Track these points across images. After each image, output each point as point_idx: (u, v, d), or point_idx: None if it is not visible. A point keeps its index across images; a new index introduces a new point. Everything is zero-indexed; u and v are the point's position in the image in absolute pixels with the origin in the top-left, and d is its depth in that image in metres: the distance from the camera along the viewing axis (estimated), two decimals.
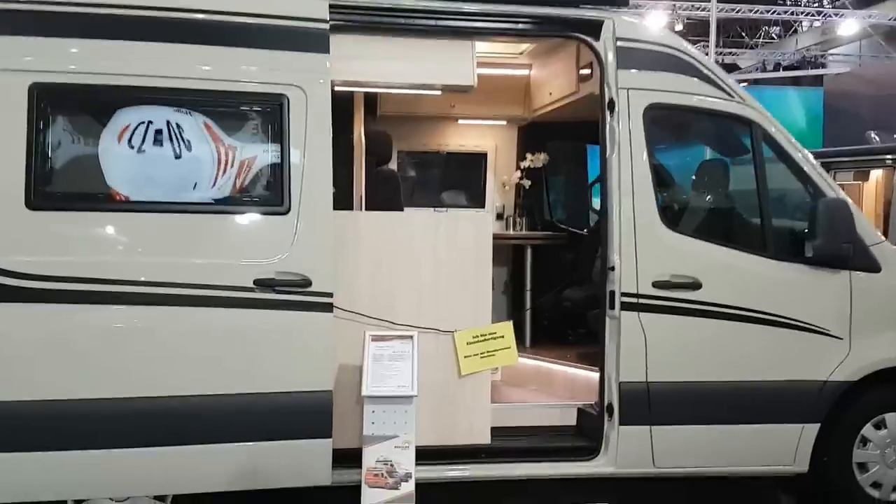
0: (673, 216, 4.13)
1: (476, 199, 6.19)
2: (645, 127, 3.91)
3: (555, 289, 5.24)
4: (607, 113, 3.96)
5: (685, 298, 3.91)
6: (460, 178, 6.23)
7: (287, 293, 3.46)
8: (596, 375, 4.29)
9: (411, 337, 3.58)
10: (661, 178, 4.09)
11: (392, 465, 3.31)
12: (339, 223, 3.62)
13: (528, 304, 5.25)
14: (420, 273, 3.86)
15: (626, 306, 3.89)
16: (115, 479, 3.37)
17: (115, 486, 3.40)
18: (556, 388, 4.60)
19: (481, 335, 3.92)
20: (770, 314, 3.99)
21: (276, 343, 3.46)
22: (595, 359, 4.42)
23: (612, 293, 3.91)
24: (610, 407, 3.94)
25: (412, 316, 3.81)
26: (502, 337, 3.95)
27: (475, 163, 6.13)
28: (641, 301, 3.89)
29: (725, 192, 4.35)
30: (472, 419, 3.92)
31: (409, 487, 3.28)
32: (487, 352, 3.92)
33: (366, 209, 4.62)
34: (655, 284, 3.90)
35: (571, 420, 4.25)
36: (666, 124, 4.11)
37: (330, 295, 3.52)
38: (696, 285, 3.92)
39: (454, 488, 3.86)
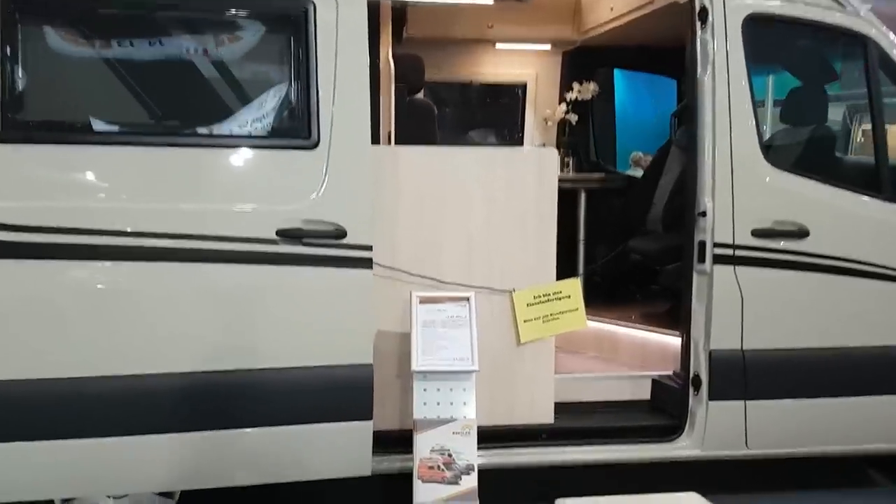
0: (776, 151, 3.56)
1: (512, 137, 5.59)
2: (745, 42, 3.32)
3: (613, 239, 4.69)
4: (698, 25, 3.36)
5: (789, 249, 3.38)
6: (494, 114, 5.63)
7: (317, 246, 2.91)
8: (672, 340, 3.79)
9: (468, 299, 3.04)
10: (763, 106, 3.50)
11: (450, 455, 2.82)
12: (376, 161, 3.05)
13: (584, 259, 4.70)
14: (472, 221, 3.32)
15: (719, 259, 3.36)
16: (110, 473, 2.85)
17: (111, 482, 2.88)
18: (621, 355, 4.09)
19: (544, 295, 3.39)
20: (887, 268, 3.45)
21: (303, 307, 2.94)
22: (670, 321, 3.93)
23: (703, 244, 3.37)
24: (696, 379, 3.44)
25: (462, 273, 3.29)
26: (568, 297, 3.42)
27: (512, 95, 5.51)
28: (738, 253, 3.37)
29: (836, 123, 3.77)
30: (533, 395, 3.42)
31: (471, 482, 2.79)
32: (551, 315, 3.40)
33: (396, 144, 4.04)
34: (756, 233, 3.37)
35: (644, 393, 3.75)
36: (768, 40, 3.50)
37: (369, 248, 2.98)
38: (802, 233, 3.39)
39: (505, 474, 3.36)
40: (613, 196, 5.11)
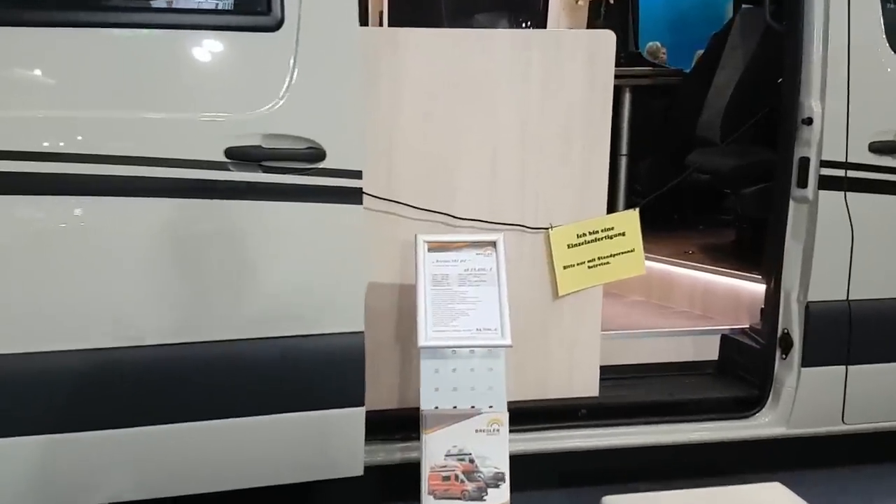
0: None
1: (531, 21, 4.69)
2: None
3: (660, 152, 3.89)
4: None
5: None
6: None
7: (282, 172, 2.13)
8: (746, 286, 3.07)
9: (494, 243, 2.28)
10: None
11: (472, 461, 2.12)
12: (366, 50, 2.23)
13: (625, 178, 3.90)
14: (498, 133, 2.53)
15: (826, 183, 2.59)
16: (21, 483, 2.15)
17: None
18: (677, 302, 3.37)
19: (591, 233, 2.64)
20: None
21: (266, 258, 2.18)
22: (743, 260, 3.19)
23: (805, 161, 2.60)
24: (786, 338, 2.75)
25: (483, 205, 2.54)
26: (622, 234, 2.68)
27: None
28: (851, 174, 2.60)
29: None
30: (572, 362, 2.73)
31: (500, 497, 2.10)
32: (599, 259, 2.66)
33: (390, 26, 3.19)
34: (875, 147, 2.59)
35: (710, 353, 3.05)
36: None
37: (358, 175, 2.19)
38: None
39: (536, 460, 2.69)
40: (659, 97, 4.28)
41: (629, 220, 2.70)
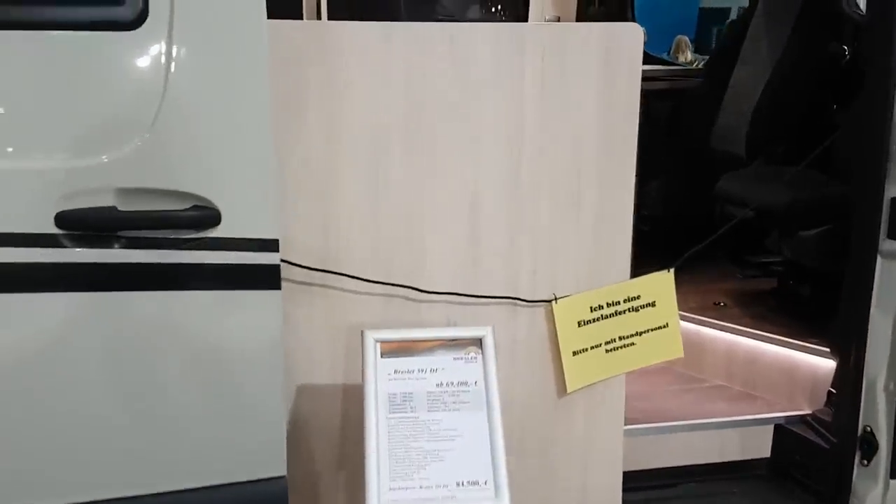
0: None
1: (508, 10, 3.99)
2: None
3: (675, 169, 3.20)
4: None
5: None
6: None
7: (151, 246, 1.40)
8: (804, 359, 2.41)
9: (479, 341, 1.57)
10: None
11: None
12: (283, 52, 1.51)
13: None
14: (477, 170, 1.82)
15: None
16: None
17: None
18: (709, 371, 2.67)
19: (609, 304, 1.96)
20: None
21: (136, 384, 1.45)
22: (797, 319, 2.53)
23: None
24: (869, 439, 2.07)
25: (460, 273, 1.82)
26: (652, 304, 1.98)
27: None
28: None
29: None
30: (586, 482, 2.03)
31: None
32: (620, 339, 1.97)
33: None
34: None
35: (761, 447, 2.37)
36: None
37: (272, 246, 1.47)
38: None
39: None
40: (665, 100, 3.60)
41: (661, 284, 2.01)
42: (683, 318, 2.72)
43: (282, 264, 1.68)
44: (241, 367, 1.51)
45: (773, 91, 3.16)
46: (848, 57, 3.26)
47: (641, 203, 3.42)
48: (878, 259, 2.03)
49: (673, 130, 3.66)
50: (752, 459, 2.37)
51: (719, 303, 2.86)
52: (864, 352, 2.08)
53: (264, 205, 1.47)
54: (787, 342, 2.48)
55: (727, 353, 2.62)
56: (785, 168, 2.77)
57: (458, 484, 1.47)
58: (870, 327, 2.06)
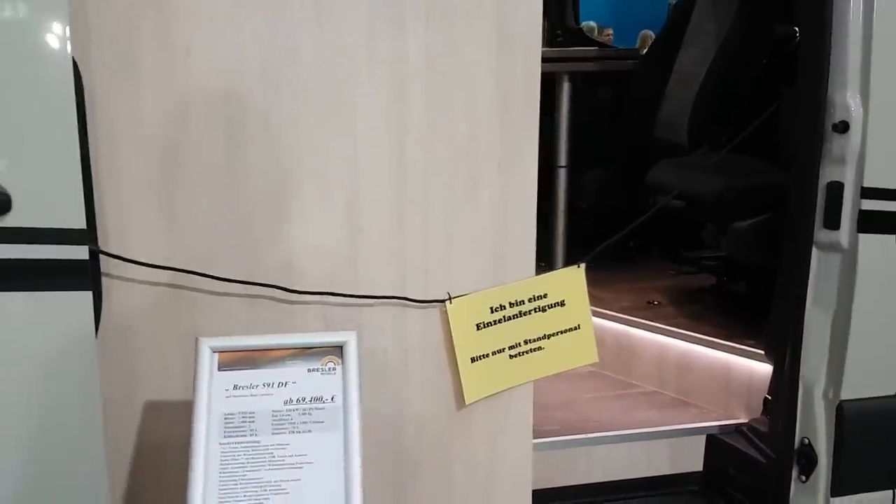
0: None
1: None
2: None
3: (614, 160, 3.00)
4: None
5: None
6: None
7: None
8: (739, 362, 2.21)
9: (340, 348, 1.34)
10: None
11: None
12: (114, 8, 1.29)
13: (565, 199, 2.98)
14: (355, 152, 1.59)
15: (868, 222, 1.74)
16: None
17: None
18: (639, 375, 2.46)
19: (512, 304, 1.74)
20: None
21: None
22: (733, 319, 2.34)
23: (837, 189, 1.73)
24: (807, 452, 1.88)
25: (336, 269, 1.59)
26: (561, 304, 1.76)
27: None
28: None
29: None
30: (489, 502, 1.78)
31: None
32: (526, 343, 1.75)
33: None
34: None
35: (692, 460, 2.16)
36: None
37: (78, 236, 1.22)
38: None
39: None
40: (606, 86, 3.39)
41: (571, 280, 1.79)
42: (614, 319, 2.52)
43: (122, 263, 1.45)
44: (46, 386, 1.26)
45: (717, 75, 2.96)
46: (798, 39, 3.07)
47: (579, 195, 3.23)
48: (814, 251, 1.83)
49: (615, 118, 3.46)
50: (683, 473, 2.16)
51: (653, 301, 2.65)
52: (800, 354, 1.88)
53: (66, 188, 1.23)
54: (722, 344, 2.27)
55: (659, 357, 2.41)
56: (728, 157, 2.57)
57: None
58: (805, 327, 1.86)
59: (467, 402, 1.73)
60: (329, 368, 1.35)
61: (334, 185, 1.60)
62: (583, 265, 1.78)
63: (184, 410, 1.59)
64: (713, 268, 2.65)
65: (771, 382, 2.06)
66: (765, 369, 2.12)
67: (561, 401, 2.27)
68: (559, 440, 2.06)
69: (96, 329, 1.37)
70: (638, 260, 2.98)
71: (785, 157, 2.40)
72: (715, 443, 2.15)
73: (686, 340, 2.35)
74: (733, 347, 2.24)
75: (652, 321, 2.44)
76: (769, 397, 2.08)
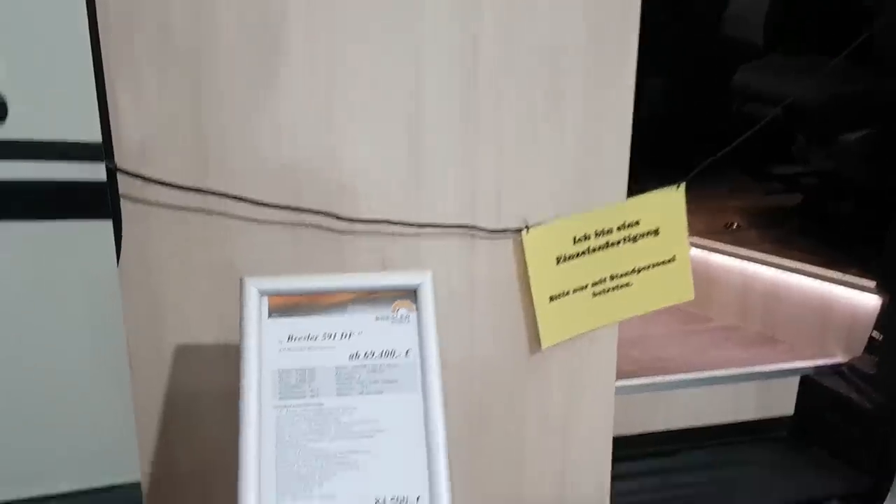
0: None
1: None
2: None
3: (680, 64, 2.71)
4: None
5: None
6: None
7: None
8: (842, 294, 1.98)
9: (413, 292, 1.10)
10: None
11: None
12: None
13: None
14: (415, 66, 1.31)
15: None
16: None
17: None
18: (719, 309, 2.24)
19: (598, 233, 1.50)
20: None
21: None
22: (833, 247, 2.11)
23: None
24: None
25: (393, 197, 1.35)
26: (654, 233, 1.52)
27: None
28: None
29: None
30: (565, 456, 1.60)
31: None
32: (612, 278, 1.52)
33: None
34: None
35: (783, 405, 1.96)
36: None
37: (95, 152, 0.98)
38: None
39: None
40: None
41: (669, 204, 1.55)
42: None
43: (145, 183, 1.22)
44: (63, 329, 1.05)
45: None
46: None
47: (636, 103, 2.94)
48: None
49: (678, 16, 3.14)
50: (772, 419, 1.96)
51: (732, 224, 2.40)
52: None
53: (76, 92, 0.98)
54: (818, 274, 2.03)
55: (742, 287, 2.17)
56: (814, 59, 2.27)
57: (377, 501, 1.03)
58: None
59: (543, 347, 1.51)
60: (401, 316, 1.13)
61: (392, 94, 1.35)
62: (682, 186, 1.54)
63: (220, 357, 1.39)
64: (806, 186, 2.38)
65: (879, 318, 1.83)
66: (870, 303, 1.90)
67: (632, 337, 2.05)
68: (637, 384, 1.86)
69: (117, 263, 1.16)
70: (712, 176, 2.71)
71: (886, 64, 2.12)
72: (810, 385, 1.94)
73: (774, 268, 2.11)
74: (832, 277, 2.00)
75: (733, 247, 2.20)
76: (876, 335, 1.85)
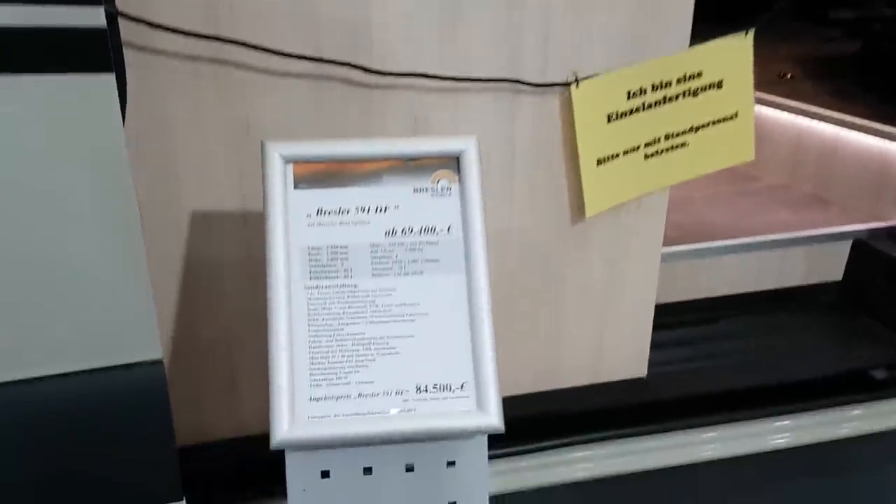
0: None
1: None
2: None
3: None
4: None
5: None
6: None
7: None
8: None
9: (456, 159, 0.99)
10: None
11: None
12: None
13: None
14: None
15: None
16: None
17: None
18: (769, 167, 2.11)
19: (655, 87, 1.35)
20: None
21: None
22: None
23: None
24: None
25: (428, 46, 1.21)
26: (718, 86, 1.37)
27: None
28: None
29: None
30: (604, 326, 1.53)
31: None
32: (668, 138, 1.38)
33: None
34: None
35: (832, 269, 1.88)
36: None
37: None
38: None
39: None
40: None
41: (735, 53, 1.40)
42: None
43: (149, 30, 1.08)
44: (65, 204, 0.94)
45: None
46: None
47: None
48: None
49: None
50: (819, 284, 1.87)
51: (786, 74, 2.22)
52: None
53: None
54: (876, 130, 1.88)
55: (794, 144, 2.03)
56: None
57: (418, 389, 0.95)
58: None
59: (588, 216, 1.40)
60: (442, 188, 1.01)
61: None
62: (751, 33, 1.38)
63: (240, 224, 1.29)
64: (866, 33, 2.18)
65: None
66: None
67: (674, 199, 1.93)
68: (680, 250, 1.75)
69: (122, 123, 1.04)
70: (765, 26, 2.50)
71: None
72: (861, 249, 1.83)
73: (829, 123, 1.96)
74: (892, 134, 1.85)
75: (786, 99, 2.04)
76: None
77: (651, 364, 1.61)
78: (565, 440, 1.52)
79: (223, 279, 1.32)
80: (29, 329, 1.01)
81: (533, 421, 1.50)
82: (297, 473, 0.99)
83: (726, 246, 1.79)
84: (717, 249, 1.79)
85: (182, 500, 1.15)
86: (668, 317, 1.74)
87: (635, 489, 1.59)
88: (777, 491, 1.65)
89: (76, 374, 1.06)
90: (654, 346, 1.61)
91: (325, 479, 1.00)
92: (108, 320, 1.04)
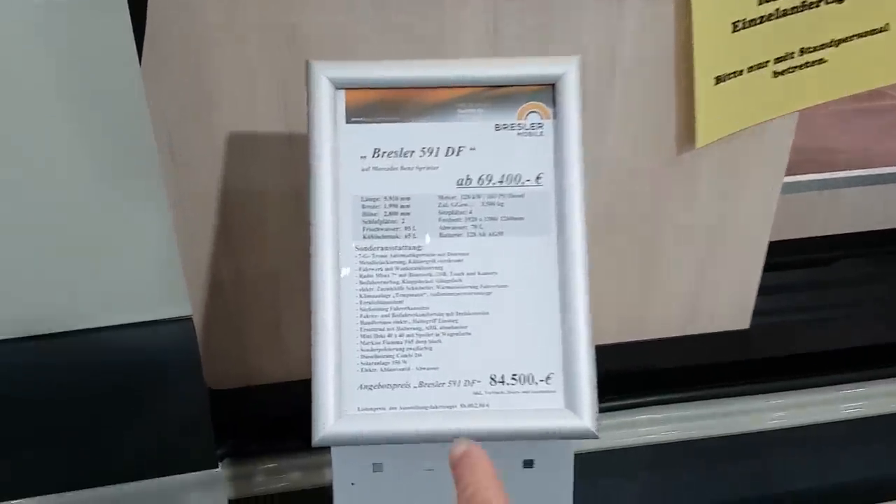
0: None
1: None
2: None
3: None
4: None
5: None
6: None
7: None
8: None
9: (552, 87, 0.78)
10: None
11: None
12: None
13: None
14: None
15: None
16: None
17: None
18: None
19: None
20: None
21: None
22: None
23: None
24: None
25: None
26: None
27: None
28: None
29: None
30: (705, 274, 1.33)
31: None
32: (804, 52, 1.12)
33: None
34: None
35: None
36: None
37: None
38: None
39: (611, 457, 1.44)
40: None
41: None
42: None
43: None
44: (74, 138, 0.78)
45: None
46: None
47: None
48: None
49: None
50: None
51: None
52: None
53: None
54: None
55: None
56: None
57: (493, 380, 0.78)
58: None
59: (699, 145, 1.18)
60: (532, 125, 0.80)
61: None
62: None
63: (285, 148, 1.11)
64: None
65: None
66: None
67: None
68: (797, 181, 1.52)
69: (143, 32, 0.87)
70: None
71: None
72: None
73: None
74: None
75: None
76: None
77: (754, 314, 1.41)
78: (651, 398, 1.36)
79: (266, 210, 1.15)
80: (43, 284, 0.87)
81: (615, 376, 1.33)
82: (345, 466, 0.84)
83: (848, 178, 1.55)
84: (836, 181, 1.55)
85: (217, 467, 1.02)
86: (776, 257, 1.52)
87: (728, 454, 1.43)
88: None
89: (96, 330, 0.93)
90: (760, 291, 1.41)
91: (378, 473, 0.84)
92: (132, 277, 0.89)
